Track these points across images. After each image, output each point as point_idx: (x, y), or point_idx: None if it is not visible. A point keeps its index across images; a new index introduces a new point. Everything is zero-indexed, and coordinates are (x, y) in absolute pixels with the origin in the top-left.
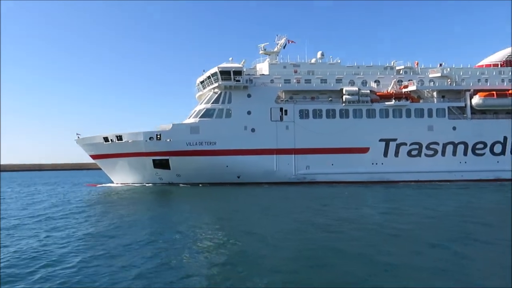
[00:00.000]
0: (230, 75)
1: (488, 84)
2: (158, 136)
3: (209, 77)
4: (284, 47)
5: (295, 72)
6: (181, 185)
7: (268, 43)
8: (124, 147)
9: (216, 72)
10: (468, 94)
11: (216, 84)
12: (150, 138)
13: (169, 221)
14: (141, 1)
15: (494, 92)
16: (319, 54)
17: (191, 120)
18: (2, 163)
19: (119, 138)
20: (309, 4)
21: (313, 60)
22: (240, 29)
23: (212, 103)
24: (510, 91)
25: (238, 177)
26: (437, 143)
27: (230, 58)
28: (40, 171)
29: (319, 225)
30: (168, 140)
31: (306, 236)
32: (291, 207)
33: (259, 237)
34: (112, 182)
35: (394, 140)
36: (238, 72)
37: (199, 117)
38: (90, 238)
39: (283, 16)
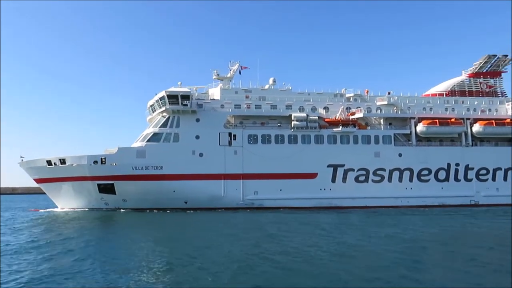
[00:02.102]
0: (178, 99)
1: (432, 113)
2: (103, 159)
3: (157, 101)
4: (240, 73)
5: (247, 97)
6: (122, 210)
7: (219, 69)
8: (67, 171)
9: (163, 96)
10: (413, 121)
11: (164, 108)
12: (94, 162)
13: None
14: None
15: (437, 120)
16: (271, 80)
17: (138, 144)
18: None
19: (63, 161)
20: (269, 32)
21: (266, 86)
22: (201, 53)
23: (160, 127)
24: (452, 120)
25: (186, 202)
26: (383, 169)
27: (179, 82)
28: (13, 194)
29: None
30: (113, 164)
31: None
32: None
33: None
34: (56, 206)
35: (342, 166)
36: (185, 97)
37: (146, 141)
38: None
39: (241, 40)
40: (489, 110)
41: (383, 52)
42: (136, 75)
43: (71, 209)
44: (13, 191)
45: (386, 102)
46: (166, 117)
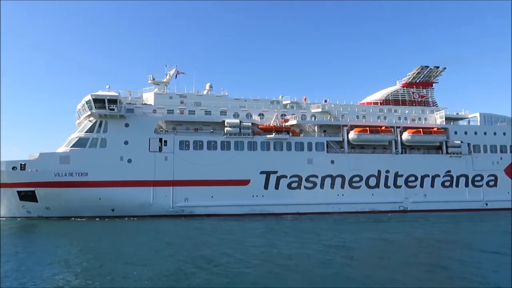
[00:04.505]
0: (105, 104)
1: (365, 121)
2: (23, 165)
3: (83, 105)
4: (176, 77)
5: (182, 103)
6: (41, 217)
7: (157, 74)
8: None
9: (89, 100)
10: (345, 129)
11: (90, 112)
12: (13, 168)
13: None
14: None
15: (368, 128)
16: (207, 86)
17: (62, 149)
18: None
19: None
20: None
21: (204, 92)
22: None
23: (87, 131)
24: (382, 127)
25: (113, 210)
26: (316, 176)
27: (107, 86)
28: None
29: None
30: (34, 170)
31: None
32: None
33: None
34: None
35: (275, 172)
36: (113, 101)
37: (71, 146)
38: None
39: (183, 46)
40: (419, 119)
41: (326, 63)
42: (82, 74)
43: None
44: None
45: (320, 110)
46: (93, 121)
